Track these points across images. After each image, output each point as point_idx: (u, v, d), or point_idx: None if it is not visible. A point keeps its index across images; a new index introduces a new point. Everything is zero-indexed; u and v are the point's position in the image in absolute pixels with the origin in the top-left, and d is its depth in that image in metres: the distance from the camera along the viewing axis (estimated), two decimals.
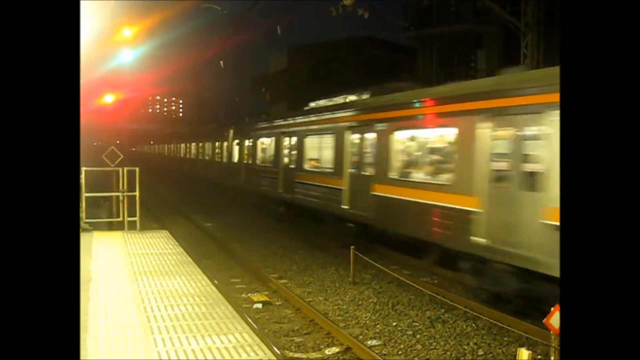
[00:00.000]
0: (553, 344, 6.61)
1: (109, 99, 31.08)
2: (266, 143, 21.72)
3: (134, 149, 72.64)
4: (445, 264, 12.50)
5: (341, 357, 8.00)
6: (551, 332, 6.55)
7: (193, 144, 36.81)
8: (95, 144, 34.48)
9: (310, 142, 17.46)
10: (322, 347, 8.39)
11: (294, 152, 18.46)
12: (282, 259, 14.46)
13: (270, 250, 15.45)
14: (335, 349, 8.24)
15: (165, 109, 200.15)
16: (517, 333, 8.33)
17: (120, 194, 14.38)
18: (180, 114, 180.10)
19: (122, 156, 15.41)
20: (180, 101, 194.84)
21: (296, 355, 8.07)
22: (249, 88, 53.33)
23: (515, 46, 21.38)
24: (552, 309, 6.45)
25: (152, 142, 65.54)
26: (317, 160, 17.05)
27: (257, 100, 53.42)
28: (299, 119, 18.49)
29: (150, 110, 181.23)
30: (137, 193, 14.16)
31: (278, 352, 7.58)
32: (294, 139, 18.44)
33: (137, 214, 14.09)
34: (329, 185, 15.51)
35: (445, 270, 12.51)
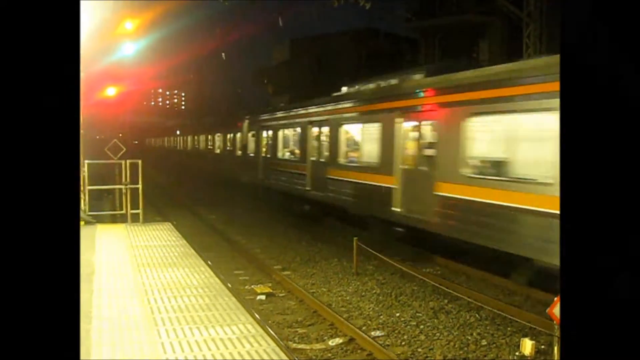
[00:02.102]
0: (556, 334, 6.61)
1: (111, 92, 31.10)
2: None
3: (136, 142, 71.80)
4: (446, 253, 12.52)
5: (345, 348, 8.02)
6: (554, 322, 6.55)
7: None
8: (97, 137, 34.58)
9: None
10: (326, 338, 8.42)
11: None
12: (286, 250, 14.49)
13: (273, 242, 15.50)
14: (338, 340, 8.26)
15: (167, 102, 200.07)
16: (521, 323, 8.32)
17: (123, 186, 14.40)
18: (183, 107, 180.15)
19: (124, 149, 15.45)
20: (183, 94, 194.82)
21: (300, 346, 8.10)
22: (251, 80, 53.29)
23: (517, 36, 21.32)
24: (555, 298, 6.45)
25: (178, 133, 48.37)
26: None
27: (260, 92, 53.40)
28: None
29: (152, 103, 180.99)
30: (140, 186, 14.18)
31: (282, 343, 7.61)
32: None
33: (140, 207, 14.12)
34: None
35: (449, 260, 12.52)
